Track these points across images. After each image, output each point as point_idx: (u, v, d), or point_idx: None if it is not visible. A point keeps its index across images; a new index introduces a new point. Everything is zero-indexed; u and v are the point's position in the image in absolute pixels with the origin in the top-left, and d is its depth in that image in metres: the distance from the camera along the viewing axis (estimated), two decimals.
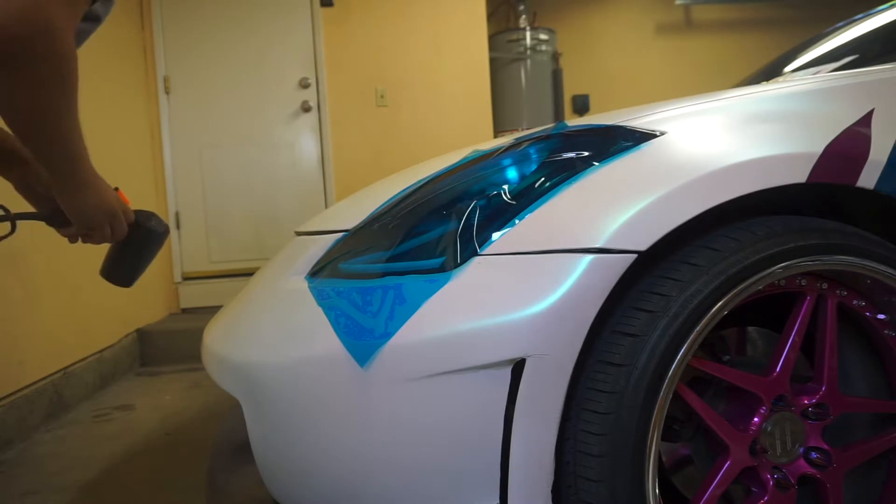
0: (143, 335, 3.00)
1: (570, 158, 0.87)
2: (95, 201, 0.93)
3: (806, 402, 0.94)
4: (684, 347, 0.79)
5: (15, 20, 0.64)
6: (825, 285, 0.93)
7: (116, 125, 3.07)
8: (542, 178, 0.85)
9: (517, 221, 0.82)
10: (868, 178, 0.90)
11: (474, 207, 0.85)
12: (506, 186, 0.86)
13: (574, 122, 1.01)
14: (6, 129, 0.93)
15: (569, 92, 5.27)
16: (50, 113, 0.77)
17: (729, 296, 0.82)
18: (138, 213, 1.06)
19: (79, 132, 0.84)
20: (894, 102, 0.95)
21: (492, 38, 4.71)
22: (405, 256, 0.86)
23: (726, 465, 0.88)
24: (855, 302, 0.96)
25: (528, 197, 0.84)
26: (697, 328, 0.80)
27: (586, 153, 0.87)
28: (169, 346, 2.97)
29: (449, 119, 4.12)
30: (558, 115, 4.97)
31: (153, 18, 3.63)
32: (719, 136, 0.88)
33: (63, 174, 0.88)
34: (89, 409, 2.32)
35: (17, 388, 2.03)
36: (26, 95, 0.73)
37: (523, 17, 5.03)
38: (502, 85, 4.79)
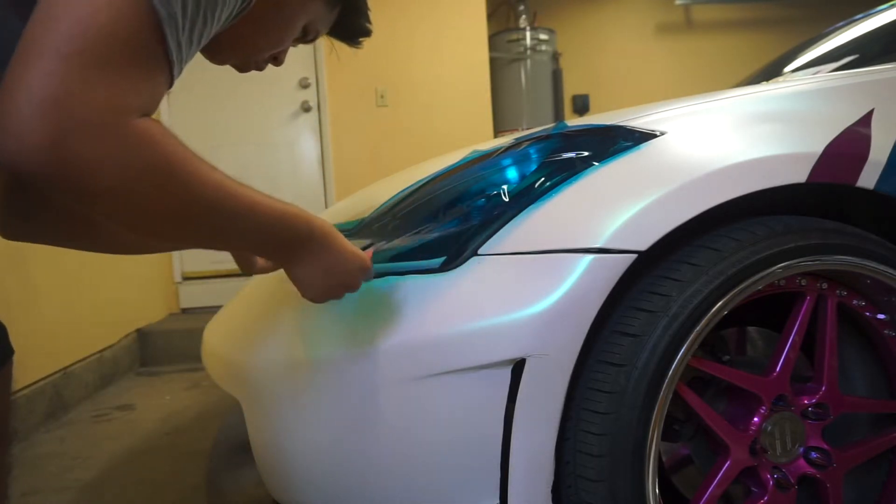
0: (142, 335, 3.00)
1: (570, 158, 0.87)
2: (318, 278, 0.71)
3: (806, 402, 0.94)
4: (684, 347, 0.79)
5: (34, 160, 0.45)
6: (825, 285, 0.93)
7: None
8: (542, 178, 0.85)
9: (517, 221, 0.82)
10: (868, 179, 0.90)
11: (474, 207, 0.85)
12: (506, 186, 0.86)
13: (574, 122, 1.01)
14: None
15: (569, 92, 5.27)
16: (168, 219, 0.55)
17: (729, 296, 0.82)
18: None
19: (238, 205, 0.58)
20: (894, 102, 0.95)
21: (492, 38, 4.71)
22: (405, 256, 0.86)
23: (726, 465, 0.88)
24: (855, 302, 0.96)
25: (528, 197, 0.84)
26: (697, 328, 0.80)
27: (586, 153, 0.87)
28: (169, 346, 2.97)
29: (449, 119, 4.12)
30: (558, 115, 4.97)
31: None
32: (719, 136, 0.88)
33: (258, 251, 0.68)
34: (89, 409, 2.32)
35: (17, 389, 2.03)
36: (124, 217, 0.53)
37: (523, 17, 5.03)
38: (502, 85, 4.78)
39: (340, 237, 0.72)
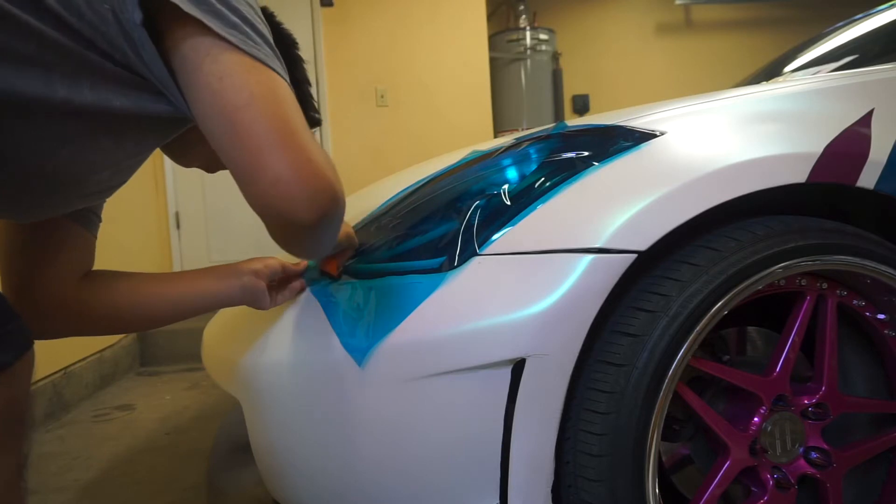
0: (143, 335, 2.99)
1: (570, 158, 0.87)
2: None
3: (806, 401, 0.94)
4: (684, 347, 0.79)
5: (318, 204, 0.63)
6: (825, 285, 0.93)
7: None
8: (542, 178, 0.85)
9: (517, 221, 0.82)
10: (868, 178, 0.90)
11: (474, 207, 0.85)
12: (506, 186, 0.86)
13: (574, 122, 1.01)
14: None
15: (569, 92, 5.27)
16: None
17: (729, 296, 0.82)
18: None
19: None
20: (894, 102, 0.95)
21: (492, 38, 4.71)
22: (405, 256, 0.86)
23: (726, 465, 0.88)
24: (855, 302, 0.96)
25: (528, 197, 0.84)
26: (697, 328, 0.80)
27: (586, 153, 0.87)
28: (169, 346, 2.97)
29: (449, 119, 4.12)
30: (558, 115, 4.97)
31: None
32: (719, 135, 0.88)
33: None
34: (89, 409, 2.32)
35: None
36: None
37: (523, 17, 5.03)
38: (502, 85, 4.79)
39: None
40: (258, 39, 0.65)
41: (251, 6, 0.68)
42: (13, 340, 0.65)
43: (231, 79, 0.61)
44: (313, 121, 0.98)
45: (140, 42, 0.62)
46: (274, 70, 0.64)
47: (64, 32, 0.60)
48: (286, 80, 0.66)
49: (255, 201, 0.64)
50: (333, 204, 0.64)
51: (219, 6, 0.62)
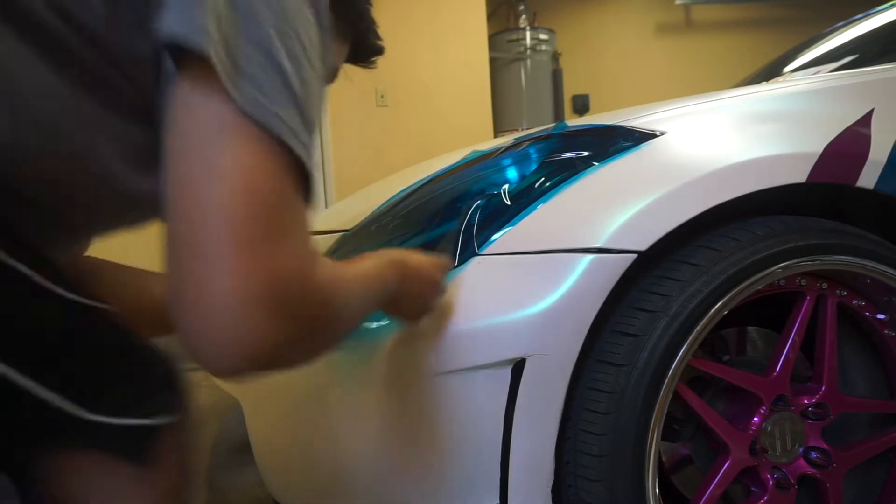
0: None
1: (570, 158, 0.87)
2: (410, 301, 0.72)
3: (806, 401, 0.94)
4: (684, 347, 0.79)
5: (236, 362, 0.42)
6: (825, 285, 0.93)
7: None
8: (542, 178, 0.85)
9: (517, 221, 0.82)
10: (868, 178, 0.90)
11: (474, 207, 0.85)
12: (506, 186, 0.86)
13: (574, 122, 1.01)
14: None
15: (569, 92, 5.27)
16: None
17: (729, 296, 0.81)
18: None
19: (364, 301, 0.59)
20: (894, 102, 0.95)
21: (492, 38, 4.71)
22: None
23: (726, 465, 0.88)
24: (855, 302, 0.96)
25: (527, 197, 0.84)
26: (697, 328, 0.80)
27: (586, 153, 0.87)
28: (169, 346, 2.97)
29: (449, 119, 4.12)
30: (558, 115, 4.97)
31: None
32: (719, 135, 0.88)
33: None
34: None
35: None
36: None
37: (523, 17, 5.03)
38: (502, 85, 4.78)
39: (406, 253, 0.71)
40: (284, 99, 0.44)
41: (308, 45, 0.47)
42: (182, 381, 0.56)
43: (210, 142, 0.42)
44: (375, 48, 0.93)
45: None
46: (289, 146, 0.43)
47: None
48: (307, 168, 0.46)
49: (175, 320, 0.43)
50: (256, 362, 0.42)
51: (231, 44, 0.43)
